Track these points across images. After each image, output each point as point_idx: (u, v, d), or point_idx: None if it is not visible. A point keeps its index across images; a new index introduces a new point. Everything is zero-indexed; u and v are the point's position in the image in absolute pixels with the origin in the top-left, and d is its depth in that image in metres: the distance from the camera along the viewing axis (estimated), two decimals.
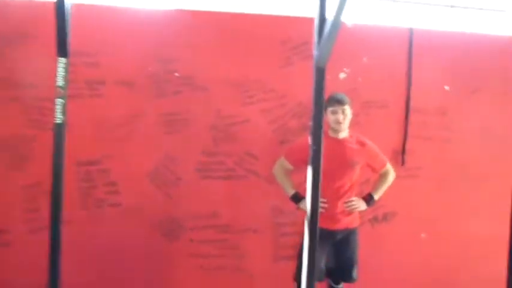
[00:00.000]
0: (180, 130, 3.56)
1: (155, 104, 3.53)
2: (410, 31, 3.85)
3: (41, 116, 3.40)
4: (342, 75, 3.76)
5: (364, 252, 3.41)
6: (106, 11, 3.47)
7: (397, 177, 3.44)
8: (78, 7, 3.33)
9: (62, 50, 2.33)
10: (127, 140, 3.50)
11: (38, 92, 3.40)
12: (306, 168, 2.27)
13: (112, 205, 3.51)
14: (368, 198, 3.38)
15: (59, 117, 2.34)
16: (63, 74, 2.34)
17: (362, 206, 3.35)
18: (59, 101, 2.34)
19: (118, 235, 3.51)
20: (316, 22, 2.19)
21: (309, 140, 2.19)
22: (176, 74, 3.55)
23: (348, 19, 3.72)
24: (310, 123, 2.18)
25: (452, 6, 3.82)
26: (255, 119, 3.64)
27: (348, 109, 3.23)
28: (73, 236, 3.36)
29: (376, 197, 3.40)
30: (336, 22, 2.03)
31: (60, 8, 2.16)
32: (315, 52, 2.19)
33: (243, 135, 3.63)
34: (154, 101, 3.53)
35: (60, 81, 2.34)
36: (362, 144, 3.31)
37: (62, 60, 2.35)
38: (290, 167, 3.32)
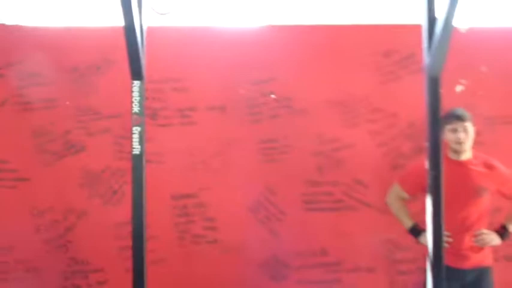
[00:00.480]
0: (280, 158, 3.33)
1: (251, 130, 3.34)
2: None
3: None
4: (459, 88, 3.41)
5: None
6: (191, 32, 3.34)
7: None
8: (160, 30, 3.26)
9: (136, 72, 2.17)
10: (223, 171, 3.32)
11: (129, 122, 3.29)
12: (424, 196, 2.05)
13: (210, 242, 3.31)
14: (501, 231, 2.94)
15: (136, 148, 2.17)
16: (138, 98, 2.17)
17: (495, 239, 2.91)
18: (135, 129, 2.17)
19: (217, 275, 3.29)
20: (424, 25, 1.97)
21: (426, 163, 1.96)
22: (272, 96, 3.36)
23: (461, 23, 3.34)
24: (426, 144, 1.95)
25: None
26: (362, 142, 3.33)
27: (469, 126, 2.87)
28: (169, 275, 3.25)
29: (511, 228, 3.00)
30: (448, 22, 1.79)
31: (129, 29, 2.01)
32: (426, 60, 1.96)
33: (350, 161, 3.33)
34: (250, 127, 3.34)
35: (135, 107, 2.17)
36: (490, 167, 2.92)
37: (137, 83, 2.19)
38: (406, 195, 3.01)
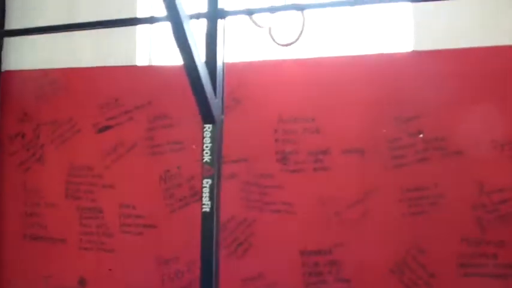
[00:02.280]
0: (430, 210, 2.87)
1: (394, 176, 2.92)
2: None
3: (261, 195, 3.12)
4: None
5: None
6: (322, 63, 3.07)
7: None
8: (286, 63, 3.08)
9: (206, 115, 2.00)
10: (361, 224, 2.93)
11: (257, 167, 3.11)
12: None
13: None
14: None
15: (206, 204, 1.99)
16: (210, 145, 1.98)
17: None
18: (206, 181, 1.98)
19: None
20: None
21: None
22: (421, 136, 2.93)
23: None
24: None
25: None
26: None
27: None
28: None
29: None
30: None
31: (190, 67, 1.86)
32: None
33: None
34: (393, 173, 2.93)
35: (206, 156, 1.98)
36: None
37: (208, 127, 2.01)
38: None
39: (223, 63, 2.21)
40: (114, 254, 3.35)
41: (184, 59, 1.90)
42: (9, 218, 3.57)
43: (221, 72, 2.16)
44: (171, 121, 3.29)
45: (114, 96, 3.40)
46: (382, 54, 3.02)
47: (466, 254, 2.84)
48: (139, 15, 3.37)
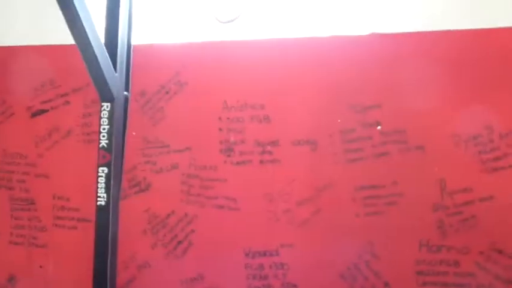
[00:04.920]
0: (386, 211, 2.54)
1: (349, 172, 2.59)
2: None
3: (203, 189, 2.83)
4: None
5: None
6: (271, 45, 2.73)
7: None
8: (229, 44, 2.74)
9: (103, 92, 1.70)
10: (311, 224, 2.59)
11: (199, 158, 2.85)
12: None
13: None
14: None
15: (101, 197, 1.68)
16: (107, 127, 1.67)
17: None
18: (101, 170, 1.67)
19: None
20: None
21: None
22: (379, 128, 2.64)
23: None
24: None
25: None
26: (508, 194, 2.44)
27: None
28: None
29: None
30: None
31: (78, 33, 1.58)
32: None
33: (487, 220, 2.44)
34: (348, 168, 2.60)
35: (103, 140, 1.67)
36: None
37: (106, 106, 1.71)
38: None
39: (128, 35, 1.90)
40: (46, 250, 3.02)
41: (70, 26, 1.59)
42: None
43: (124, 45, 1.84)
44: None
45: (50, 78, 3.07)
46: (338, 37, 2.67)
47: (424, 260, 2.50)
48: None
